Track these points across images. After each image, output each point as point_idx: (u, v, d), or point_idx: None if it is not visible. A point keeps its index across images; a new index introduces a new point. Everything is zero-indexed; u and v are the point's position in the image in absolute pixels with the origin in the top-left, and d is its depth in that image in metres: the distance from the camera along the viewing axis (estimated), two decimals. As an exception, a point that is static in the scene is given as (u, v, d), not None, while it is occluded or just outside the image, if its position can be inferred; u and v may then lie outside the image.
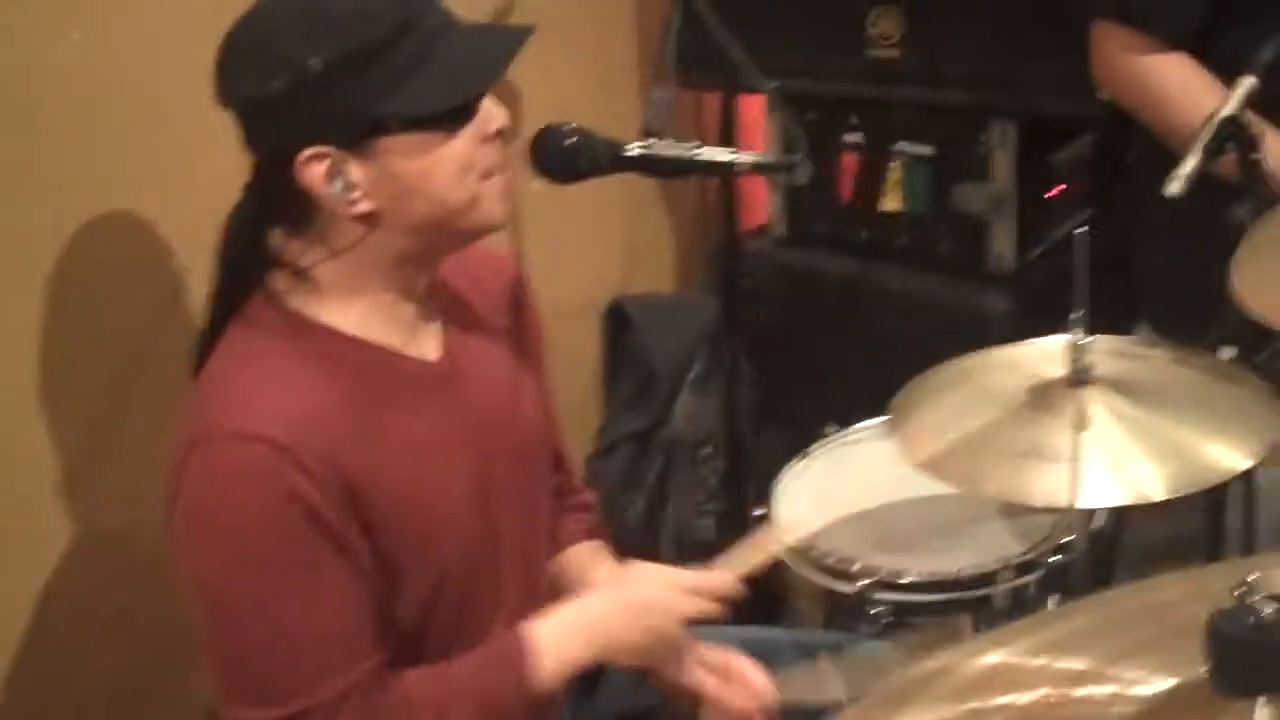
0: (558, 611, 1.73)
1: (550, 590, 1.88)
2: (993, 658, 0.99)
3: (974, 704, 0.94)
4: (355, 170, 1.57)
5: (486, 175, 1.64)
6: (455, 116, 1.60)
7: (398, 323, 1.68)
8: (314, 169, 1.56)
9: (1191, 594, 0.84)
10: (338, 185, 1.57)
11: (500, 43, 1.64)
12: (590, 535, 2.01)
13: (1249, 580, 0.79)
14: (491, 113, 1.63)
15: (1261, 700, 0.80)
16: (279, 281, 1.65)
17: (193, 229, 2.14)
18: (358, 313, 1.65)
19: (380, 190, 1.58)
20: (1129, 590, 1.05)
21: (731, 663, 1.85)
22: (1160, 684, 0.89)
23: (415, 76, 1.55)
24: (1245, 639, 0.81)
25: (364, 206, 1.58)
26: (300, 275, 1.64)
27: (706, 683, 1.82)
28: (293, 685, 1.54)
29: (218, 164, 1.97)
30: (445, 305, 1.78)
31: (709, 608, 1.80)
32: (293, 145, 1.55)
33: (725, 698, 1.82)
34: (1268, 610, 0.80)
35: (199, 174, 2.16)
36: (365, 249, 1.62)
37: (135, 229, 2.14)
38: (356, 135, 1.56)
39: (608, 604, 1.77)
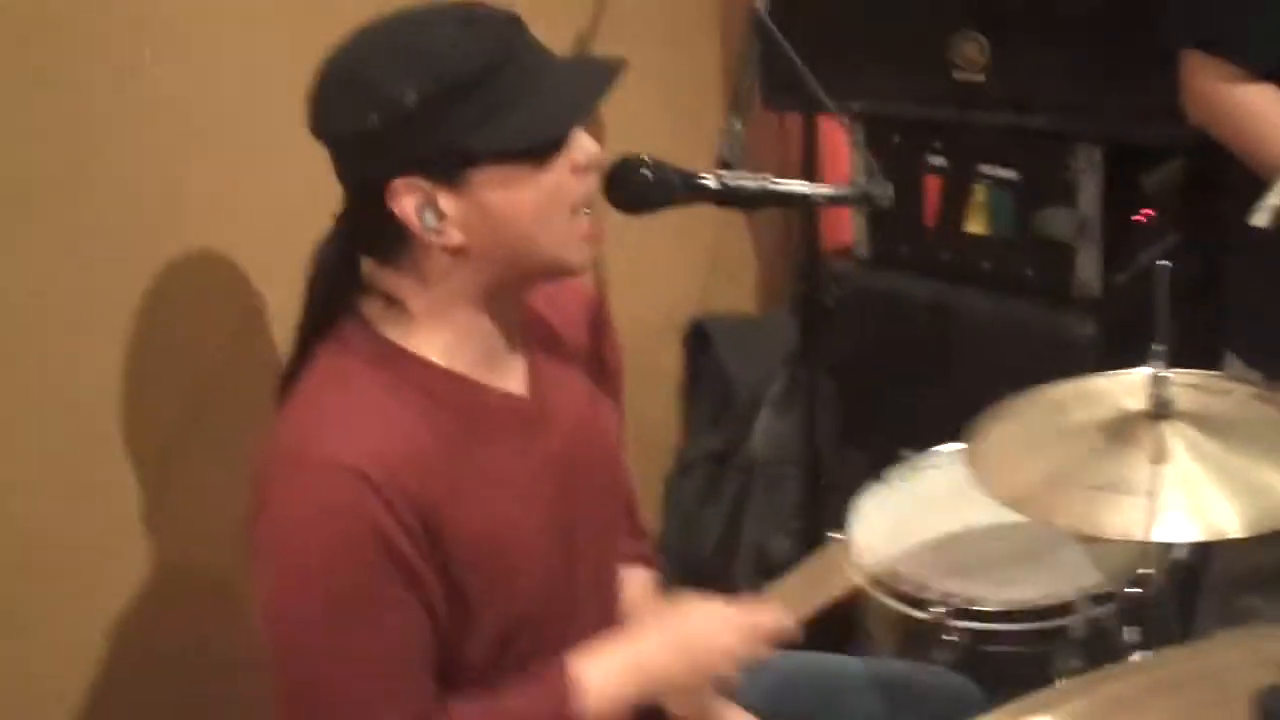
0: (606, 648, 1.73)
1: None
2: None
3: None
4: (446, 202, 1.58)
5: (575, 209, 1.64)
6: (546, 150, 1.60)
7: (485, 354, 1.69)
8: (406, 200, 1.57)
9: (1245, 659, 0.83)
10: (429, 217, 1.58)
11: (592, 78, 1.65)
12: (641, 561, 2.02)
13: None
14: (582, 145, 1.64)
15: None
16: (371, 308, 1.67)
17: (266, 258, 2.19)
18: (446, 343, 1.66)
19: (470, 222, 1.59)
20: (1180, 653, 1.03)
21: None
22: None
23: (508, 110, 1.56)
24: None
25: (454, 238, 1.60)
26: (392, 303, 1.65)
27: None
28: (348, 716, 1.56)
29: (291, 193, 2.01)
30: (529, 335, 1.78)
31: (761, 647, 1.78)
32: (385, 177, 1.57)
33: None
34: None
35: (273, 203, 2.19)
36: (455, 280, 1.63)
37: (209, 259, 2.18)
38: (448, 168, 1.57)
39: (656, 642, 1.75)
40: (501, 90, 1.56)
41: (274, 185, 2.19)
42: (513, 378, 1.74)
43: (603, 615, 1.83)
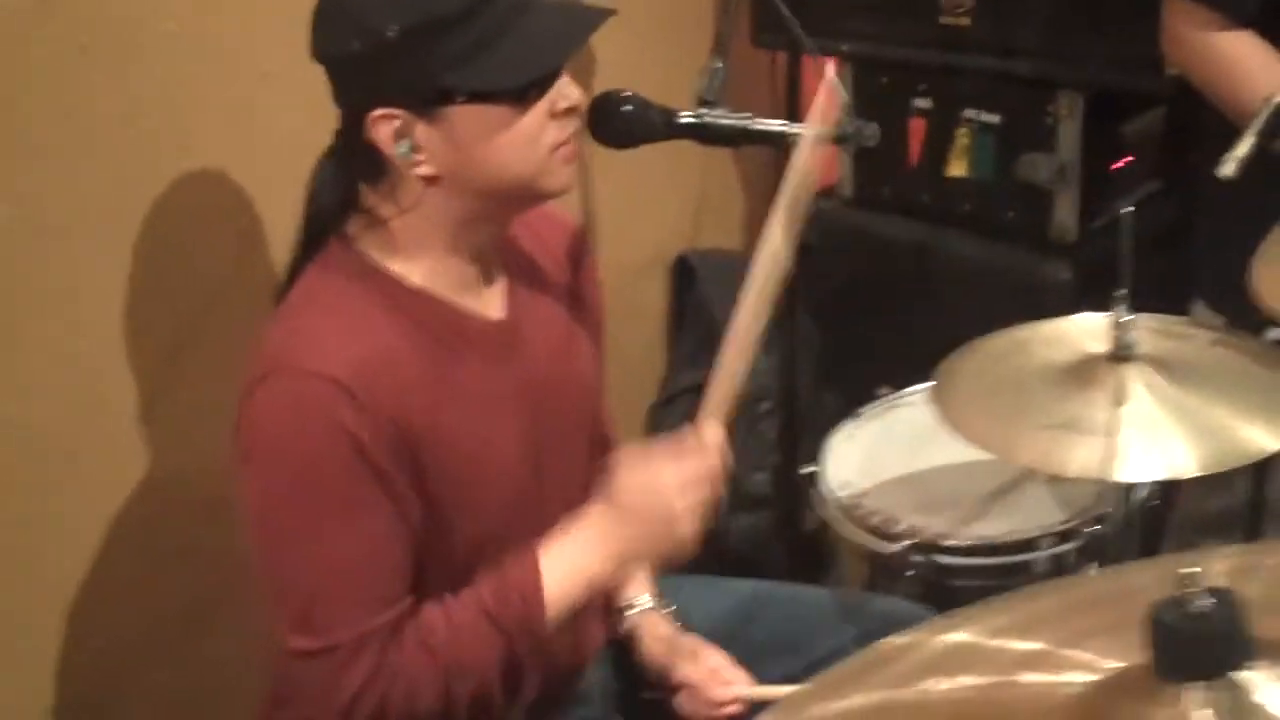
0: (558, 538, 1.72)
1: None
2: (957, 636, 1.04)
3: (926, 684, 0.99)
4: (422, 133, 1.62)
5: (553, 149, 1.67)
6: (524, 92, 1.63)
7: (463, 279, 1.74)
8: (382, 128, 1.61)
9: (1153, 582, 0.88)
10: (404, 146, 1.62)
11: (576, 22, 1.68)
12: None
13: (1188, 572, 0.83)
14: (563, 90, 1.67)
15: (1196, 684, 0.85)
16: (355, 227, 1.71)
17: (265, 180, 2.22)
18: (425, 266, 1.71)
19: (444, 155, 1.63)
20: (1105, 575, 1.09)
21: (705, 652, 1.89)
22: (1110, 667, 0.93)
23: (489, 50, 1.59)
24: (1180, 627, 0.85)
25: (427, 169, 1.64)
26: (376, 224, 1.70)
27: (687, 670, 1.87)
28: (326, 618, 1.61)
29: (290, 120, 2.05)
30: (510, 263, 1.83)
31: (709, 491, 1.73)
32: (366, 103, 1.61)
33: (703, 685, 1.86)
34: (1204, 602, 0.84)
35: (273, 129, 2.23)
36: (430, 207, 1.67)
37: (211, 179, 2.20)
38: (425, 101, 1.60)
39: (604, 521, 1.72)
40: (484, 29, 1.59)
41: (277, 106, 2.22)
42: (491, 303, 1.78)
43: None
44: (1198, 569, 0.82)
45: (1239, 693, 0.84)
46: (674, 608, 1.97)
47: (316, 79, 1.67)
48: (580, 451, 1.91)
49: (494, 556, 1.73)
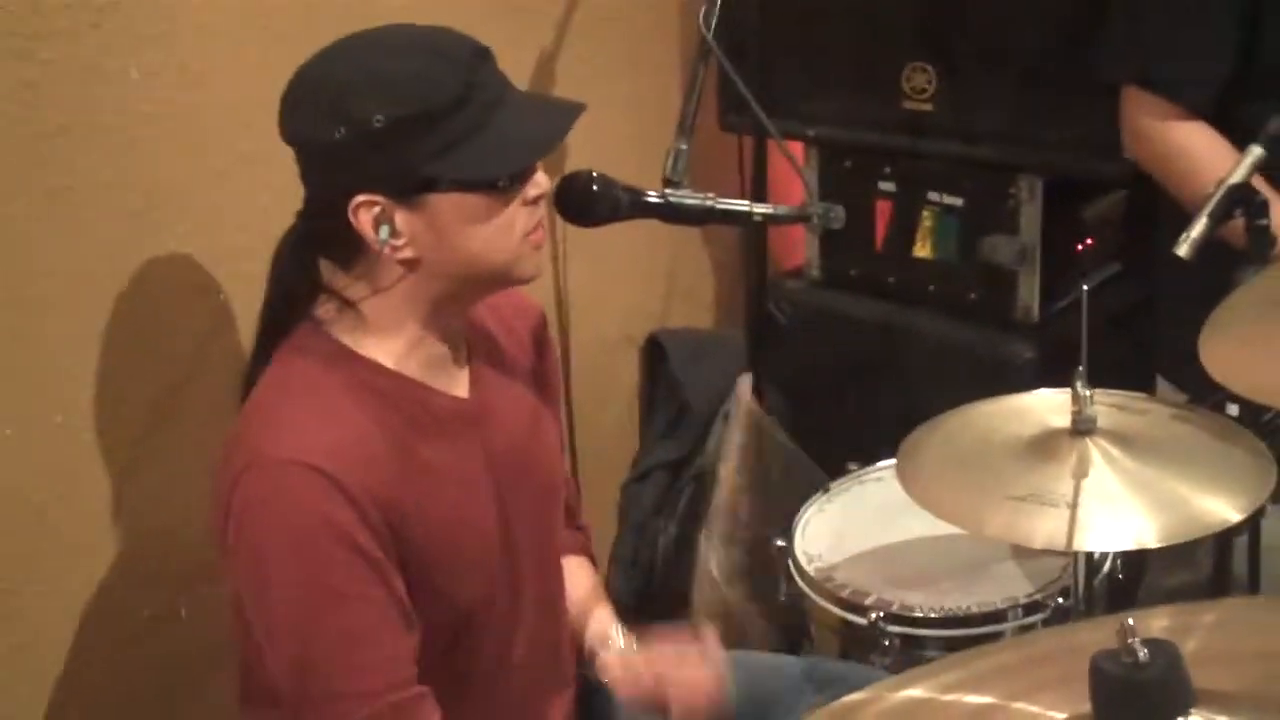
0: None
1: None
2: (912, 692, 1.08)
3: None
4: (402, 219, 1.66)
5: (525, 235, 1.73)
6: (502, 184, 1.69)
7: (432, 360, 1.78)
8: (364, 214, 1.66)
9: (1101, 639, 0.92)
10: (384, 231, 1.66)
11: (553, 118, 1.74)
12: (579, 550, 2.11)
13: (1126, 624, 0.87)
14: (535, 179, 1.73)
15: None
16: (326, 311, 1.74)
17: (236, 259, 2.26)
18: (397, 348, 1.74)
19: (423, 240, 1.68)
20: (1052, 633, 1.13)
21: (683, 651, 1.93)
22: (1053, 718, 0.97)
23: (470, 142, 1.65)
24: (1121, 676, 0.89)
25: (407, 253, 1.68)
26: (346, 307, 1.73)
27: (669, 678, 1.90)
28: (323, 709, 1.64)
29: (264, 199, 2.09)
30: (474, 343, 1.87)
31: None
32: (347, 189, 1.65)
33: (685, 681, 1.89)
34: (1141, 651, 0.88)
35: (243, 208, 2.27)
36: (406, 289, 1.71)
37: (186, 257, 2.24)
38: (407, 189, 1.65)
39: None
40: (465, 122, 1.64)
41: (252, 186, 2.26)
42: (458, 382, 1.82)
43: (545, 608, 1.91)
44: (1133, 621, 0.86)
45: (1181, 740, 0.88)
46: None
47: (289, 161, 1.72)
48: (551, 524, 1.95)
49: (474, 632, 1.78)
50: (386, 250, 1.67)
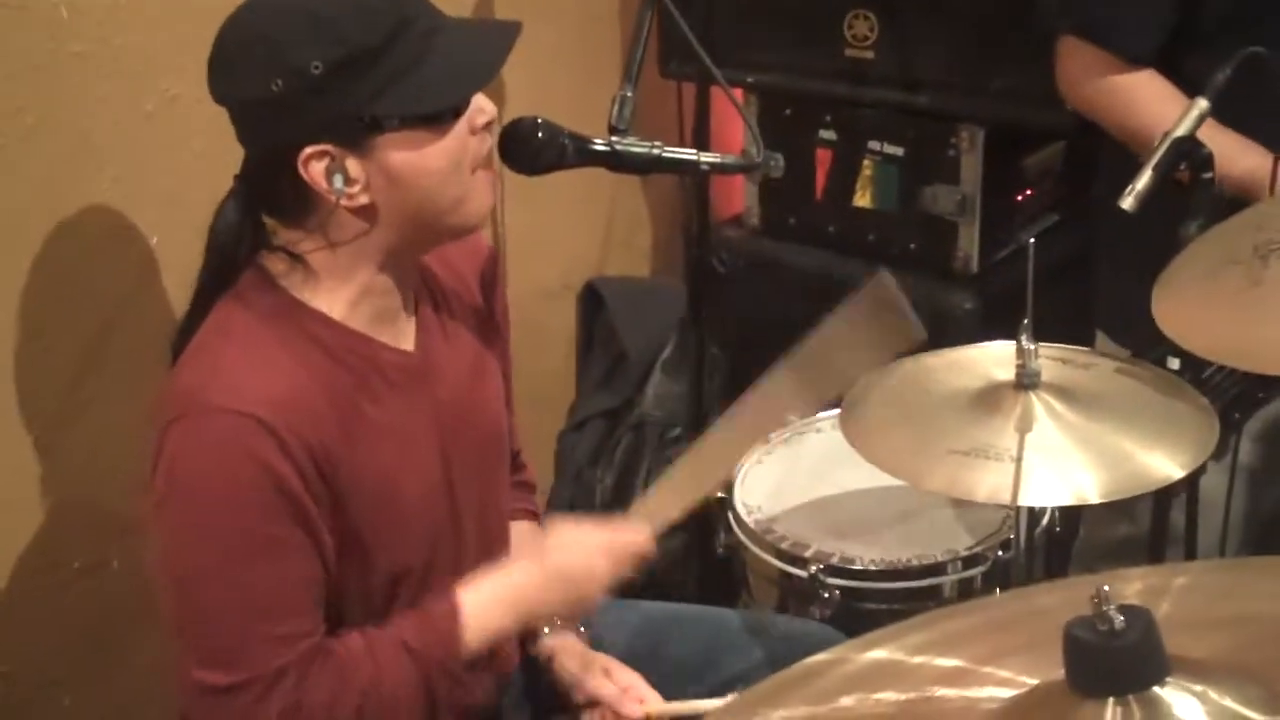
0: (485, 581, 1.77)
1: None
2: (881, 652, 1.07)
3: (858, 695, 1.01)
4: (354, 166, 1.63)
5: (474, 169, 1.70)
6: (448, 115, 1.66)
7: (381, 312, 1.75)
8: (314, 165, 1.62)
9: (1062, 603, 0.91)
10: (338, 180, 1.62)
11: (491, 41, 1.71)
12: (528, 516, 2.08)
13: (1101, 590, 0.86)
14: (480, 107, 1.69)
15: (1110, 700, 0.88)
16: (274, 264, 1.71)
17: (167, 204, 2.22)
18: (345, 301, 1.71)
19: (377, 184, 1.64)
20: (1013, 596, 1.12)
21: (618, 671, 1.91)
22: (1025, 683, 0.96)
23: (411, 76, 1.61)
24: (1096, 644, 0.88)
25: (362, 200, 1.65)
26: (296, 260, 1.70)
27: (600, 687, 1.89)
28: (239, 654, 1.61)
29: (197, 142, 2.04)
30: (421, 292, 1.84)
31: (627, 569, 1.81)
32: (292, 143, 1.61)
33: (615, 702, 1.87)
34: (1116, 619, 0.87)
35: (174, 152, 2.22)
36: (359, 240, 1.68)
37: (115, 201, 2.19)
38: (354, 134, 1.62)
39: (530, 575, 1.79)
40: (403, 56, 1.61)
41: (184, 129, 2.22)
42: (404, 334, 1.79)
43: (489, 555, 1.87)
44: (1108, 588, 0.85)
45: (1154, 708, 0.87)
46: (588, 629, 1.97)
47: (220, 112, 1.68)
48: (494, 477, 1.92)
49: (413, 587, 1.76)
50: (342, 200, 1.64)
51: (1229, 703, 0.85)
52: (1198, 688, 0.86)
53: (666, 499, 1.85)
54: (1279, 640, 0.93)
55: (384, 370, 1.74)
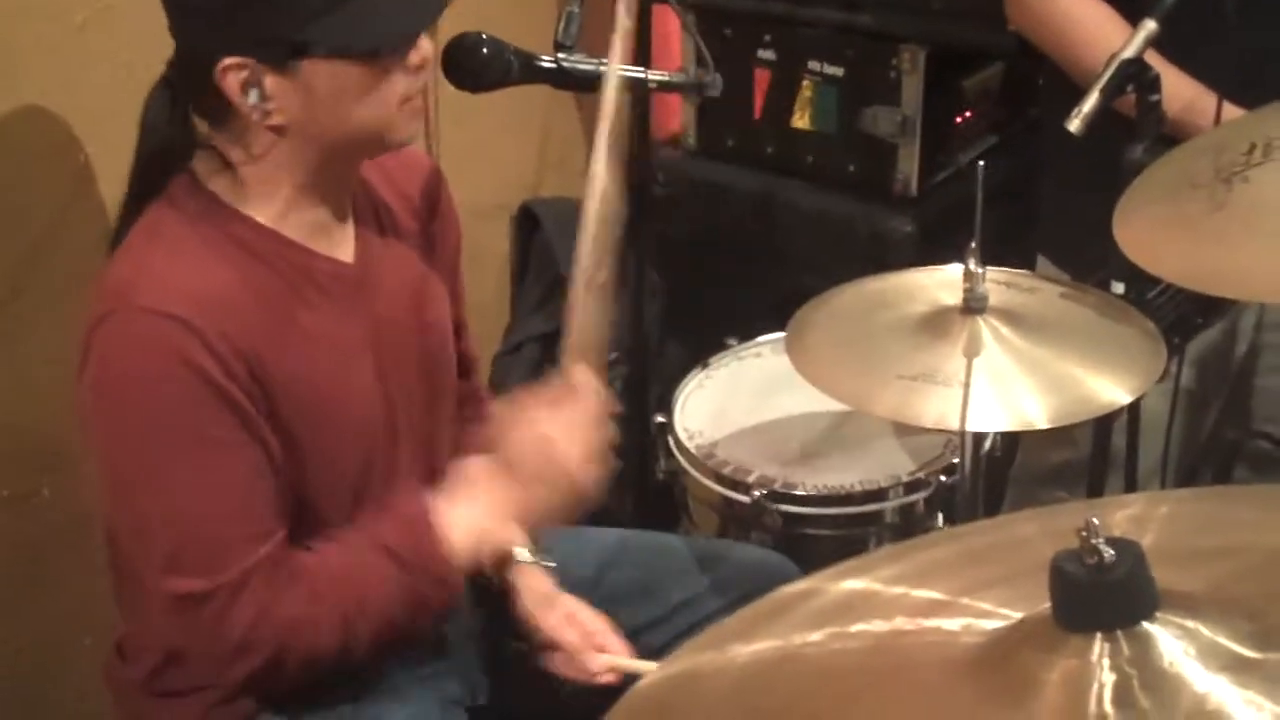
0: (452, 490, 1.75)
1: None
2: (855, 583, 1.05)
3: (833, 628, 1.00)
4: (271, 84, 1.59)
5: (402, 102, 1.66)
6: (382, 53, 1.61)
7: (314, 221, 1.72)
8: (231, 77, 1.58)
9: (1042, 532, 0.90)
10: (253, 95, 1.59)
11: None
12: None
13: (1090, 523, 0.85)
14: (418, 44, 1.65)
15: (1098, 635, 0.87)
16: (201, 165, 1.68)
17: (98, 118, 2.16)
18: (276, 208, 1.68)
19: (294, 106, 1.61)
20: (986, 525, 1.11)
21: (583, 615, 1.83)
22: (1007, 616, 0.94)
23: (348, 6, 1.56)
24: (1084, 578, 0.87)
25: (277, 119, 1.61)
26: (223, 163, 1.66)
27: (563, 632, 1.82)
28: (202, 558, 1.60)
29: (127, 54, 1.98)
30: (361, 206, 1.81)
31: (602, 429, 1.76)
32: (214, 50, 1.57)
33: (577, 650, 1.81)
34: (1106, 552, 0.85)
35: (105, 64, 2.16)
36: (279, 154, 1.65)
37: (42, 115, 2.13)
38: (279, 53, 1.57)
39: (499, 478, 1.74)
40: None
41: (114, 39, 2.16)
42: (341, 246, 1.76)
43: (429, 477, 1.84)
44: (1097, 519, 0.83)
45: (1142, 643, 0.86)
46: (554, 562, 1.91)
47: (156, 13, 1.63)
48: (436, 402, 1.89)
49: (345, 504, 1.73)
50: (254, 116, 1.60)
51: (1220, 638, 0.84)
52: (1188, 623, 0.85)
53: (575, 336, 1.80)
54: (1266, 572, 0.92)
55: (317, 279, 1.72)
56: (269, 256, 1.67)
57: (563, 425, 1.73)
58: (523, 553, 1.88)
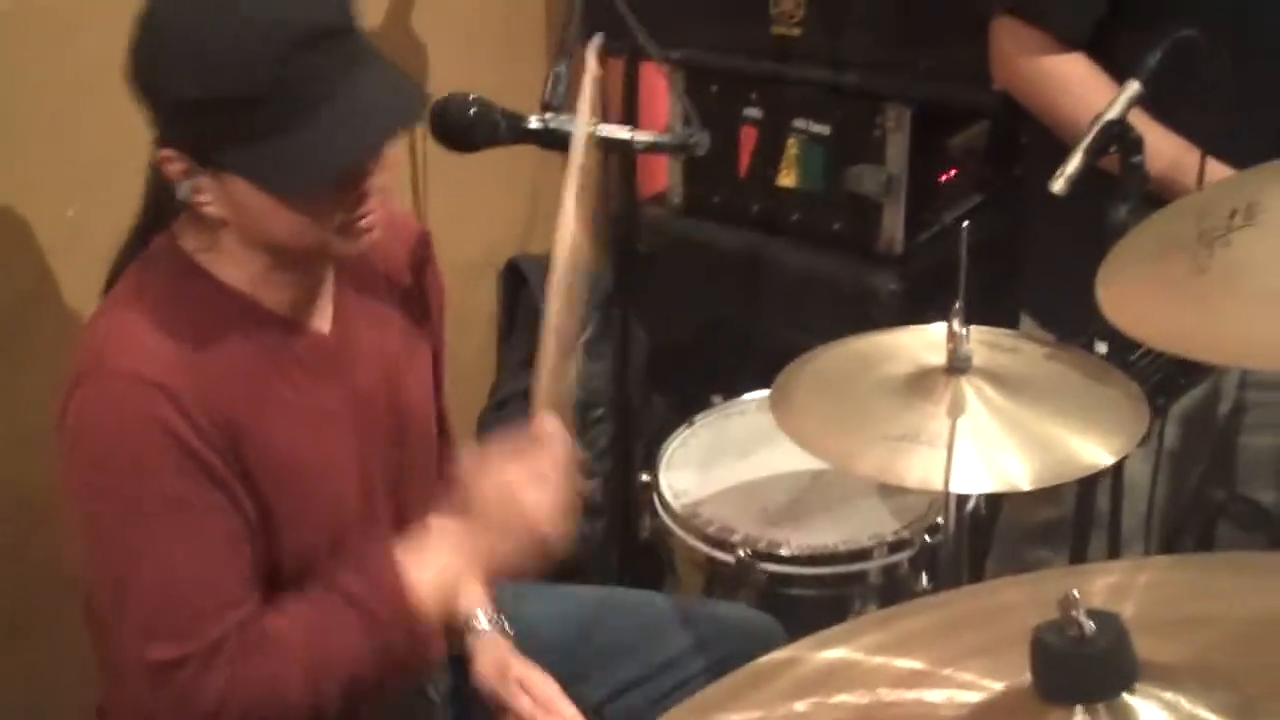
0: (419, 540, 1.73)
1: None
2: (835, 653, 1.04)
3: (815, 698, 0.99)
4: (205, 182, 1.59)
5: (341, 227, 1.64)
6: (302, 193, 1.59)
7: (291, 290, 1.71)
8: (169, 166, 1.59)
9: (1025, 600, 0.89)
10: (185, 188, 1.60)
11: (380, 121, 1.60)
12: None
13: (1070, 596, 0.84)
14: (369, 176, 1.63)
15: (1079, 707, 0.86)
16: (185, 227, 1.68)
17: (94, 168, 2.16)
18: (251, 275, 1.68)
19: (226, 207, 1.61)
20: (967, 592, 1.10)
21: (536, 681, 1.84)
22: (988, 688, 0.94)
23: (275, 142, 1.54)
24: (1066, 650, 0.86)
25: (211, 211, 1.61)
26: (201, 226, 1.66)
27: (517, 702, 1.82)
28: (178, 624, 1.59)
29: (124, 105, 1.98)
30: (342, 270, 1.79)
31: (566, 481, 1.74)
32: (159, 135, 1.59)
33: (524, 711, 1.81)
34: (1086, 625, 0.85)
35: (106, 115, 2.15)
36: (231, 240, 1.65)
37: (39, 166, 2.15)
38: (207, 161, 1.58)
39: (464, 529, 1.72)
40: (271, 120, 1.53)
41: (112, 92, 2.15)
42: (319, 314, 1.76)
43: None
44: (1077, 590, 0.83)
45: (1123, 715, 0.85)
46: (511, 628, 1.91)
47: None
48: (418, 467, 1.88)
49: (323, 571, 1.71)
50: (192, 204, 1.61)
51: (1200, 710, 0.84)
52: (1168, 695, 0.85)
53: (544, 387, 1.79)
54: (1246, 642, 0.92)
55: (293, 349, 1.72)
56: (244, 324, 1.67)
57: (529, 475, 1.71)
58: (480, 619, 1.88)
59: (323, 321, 1.76)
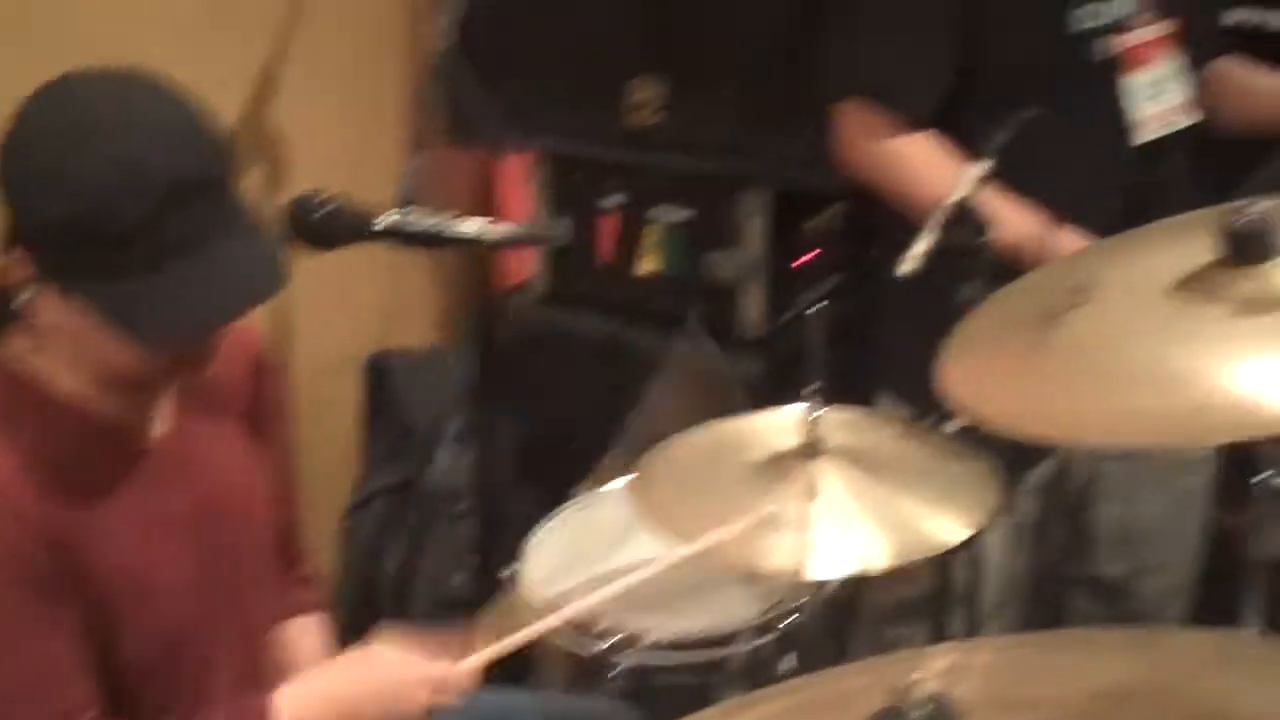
0: (301, 680, 1.73)
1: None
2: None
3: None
4: (47, 295, 1.57)
5: (186, 360, 1.63)
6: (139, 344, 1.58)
7: (126, 396, 1.67)
8: (13, 270, 1.57)
9: (872, 684, 0.89)
10: (26, 294, 1.57)
11: (245, 284, 1.59)
12: (306, 610, 2.01)
13: (909, 681, 0.84)
14: (191, 356, 1.63)
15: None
16: (17, 336, 1.64)
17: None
18: (81, 383, 1.64)
19: (65, 325, 1.58)
20: (820, 678, 1.10)
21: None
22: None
23: (125, 285, 1.52)
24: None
25: (45, 322, 1.59)
26: (38, 336, 1.63)
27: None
28: None
29: None
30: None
31: (448, 702, 1.77)
32: (10, 239, 1.56)
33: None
34: (919, 712, 0.85)
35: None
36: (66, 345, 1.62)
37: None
38: (63, 282, 1.55)
39: (352, 680, 1.74)
40: (127, 264, 1.52)
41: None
42: (156, 422, 1.72)
43: (246, 666, 1.81)
44: (915, 677, 0.83)
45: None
46: None
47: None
48: (257, 577, 1.84)
49: (160, 682, 1.69)
50: (25, 312, 1.59)
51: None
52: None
53: (506, 645, 1.84)
54: (1085, 719, 0.92)
55: (129, 458, 1.68)
56: (73, 432, 1.64)
57: (424, 674, 1.74)
58: None
59: (160, 429, 1.72)
